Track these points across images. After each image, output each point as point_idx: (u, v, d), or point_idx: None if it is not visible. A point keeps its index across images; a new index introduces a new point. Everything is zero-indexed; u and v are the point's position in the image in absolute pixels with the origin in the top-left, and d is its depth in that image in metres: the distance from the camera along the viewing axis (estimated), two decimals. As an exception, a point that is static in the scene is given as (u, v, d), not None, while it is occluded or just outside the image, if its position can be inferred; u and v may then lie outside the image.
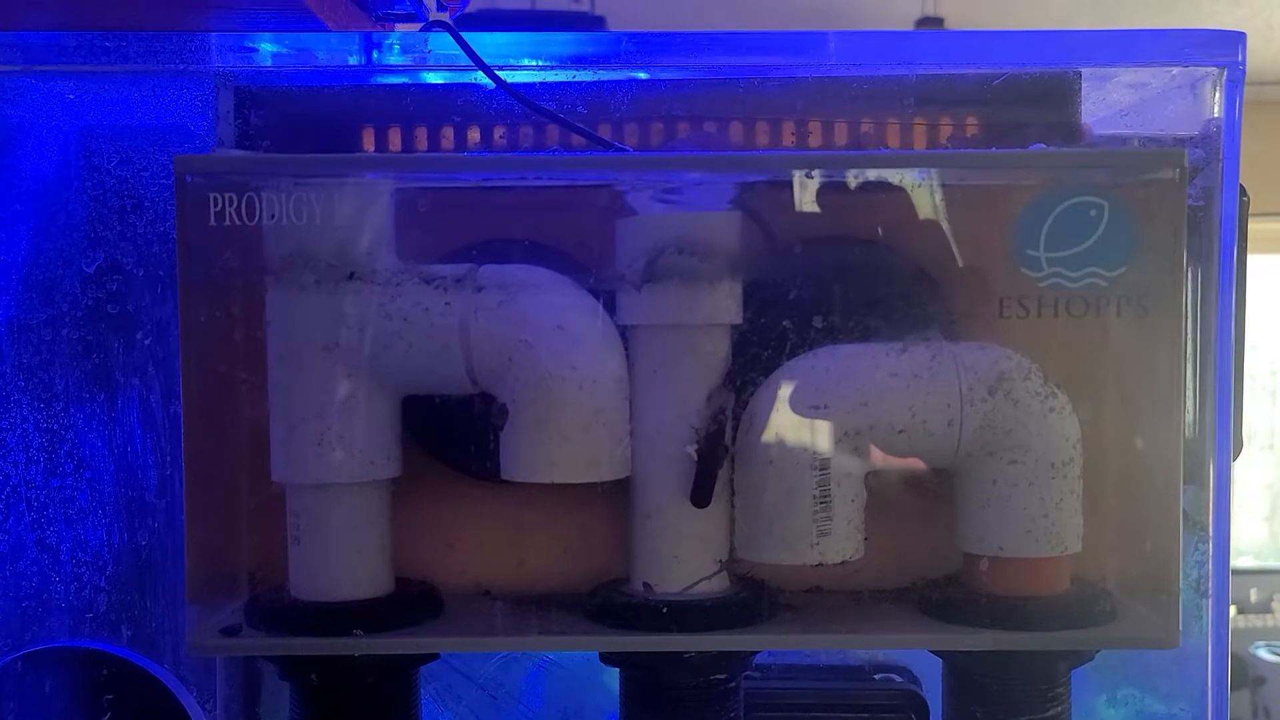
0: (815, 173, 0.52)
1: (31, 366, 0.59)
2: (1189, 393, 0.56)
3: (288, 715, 0.55)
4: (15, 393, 0.59)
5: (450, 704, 0.63)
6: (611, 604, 0.53)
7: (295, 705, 0.54)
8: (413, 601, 0.55)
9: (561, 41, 0.56)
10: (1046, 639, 0.52)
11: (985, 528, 0.53)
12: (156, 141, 0.58)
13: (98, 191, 0.58)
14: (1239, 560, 2.99)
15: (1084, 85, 0.58)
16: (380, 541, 0.54)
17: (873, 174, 0.53)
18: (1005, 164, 0.54)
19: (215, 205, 0.51)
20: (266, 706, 0.62)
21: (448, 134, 0.58)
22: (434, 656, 0.56)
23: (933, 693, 0.59)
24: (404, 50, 0.57)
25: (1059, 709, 0.53)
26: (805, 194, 0.53)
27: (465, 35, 0.55)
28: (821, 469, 0.51)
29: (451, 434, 0.54)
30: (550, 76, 0.57)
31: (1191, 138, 0.56)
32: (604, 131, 0.57)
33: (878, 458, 0.52)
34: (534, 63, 0.56)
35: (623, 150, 0.56)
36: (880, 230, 0.54)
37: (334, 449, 0.51)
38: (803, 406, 0.51)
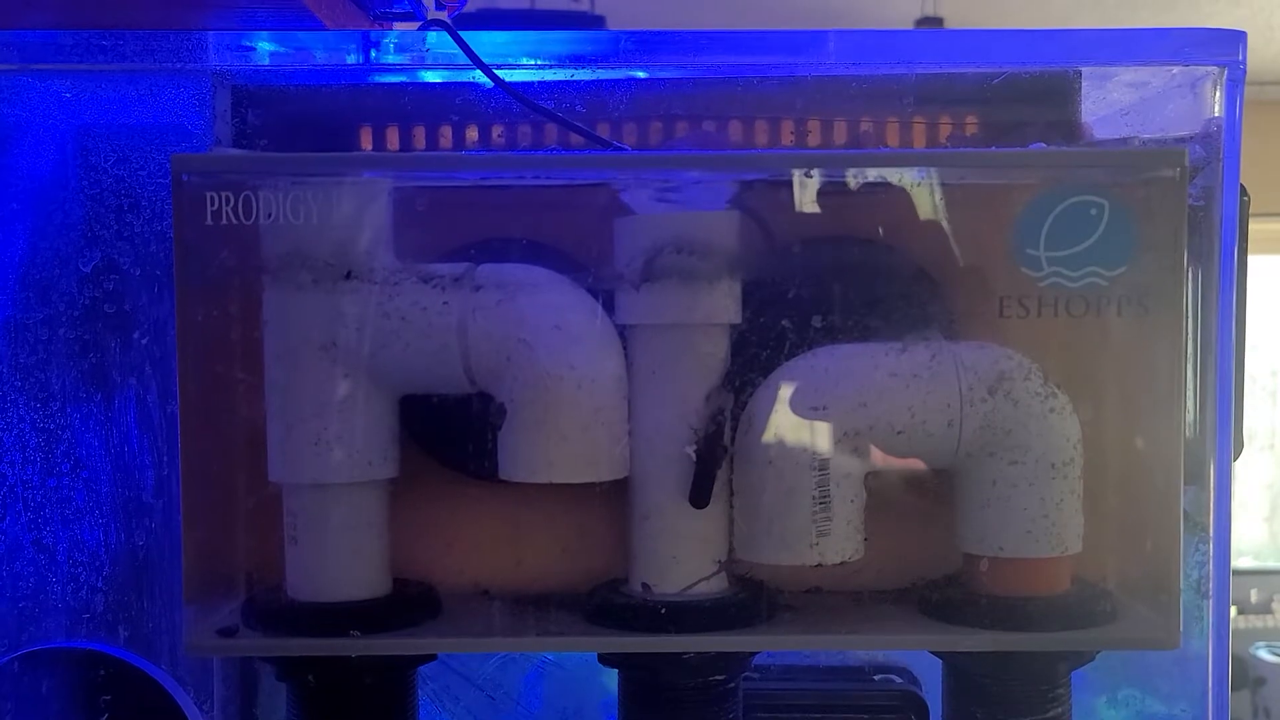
0: (814, 172, 0.52)
1: (28, 366, 0.58)
2: (1189, 393, 0.55)
3: (285, 716, 0.54)
4: (12, 392, 0.58)
5: (448, 705, 0.63)
6: (610, 604, 0.53)
7: (292, 706, 0.54)
8: (410, 602, 0.54)
9: (560, 40, 0.56)
10: (1047, 639, 0.52)
11: (985, 528, 0.53)
12: (153, 140, 0.58)
13: (94, 190, 0.58)
14: (1239, 561, 2.99)
15: (1084, 84, 0.58)
16: (378, 542, 0.54)
17: (872, 173, 0.53)
18: (1005, 163, 0.54)
19: (212, 204, 0.51)
20: (264, 707, 0.62)
21: (446, 133, 0.58)
22: (432, 657, 0.55)
23: (933, 693, 0.59)
24: (402, 49, 0.56)
25: (1059, 710, 0.53)
26: (804, 193, 0.53)
27: (463, 34, 0.55)
28: (821, 469, 0.51)
29: (449, 434, 0.54)
30: (549, 75, 0.56)
31: (1192, 137, 0.56)
32: (602, 130, 0.57)
33: (877, 458, 0.52)
34: (532, 61, 0.56)
35: (621, 149, 0.56)
36: (880, 230, 0.54)
37: (331, 449, 0.51)
38: (802, 407, 0.51)
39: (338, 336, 0.51)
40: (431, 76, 0.58)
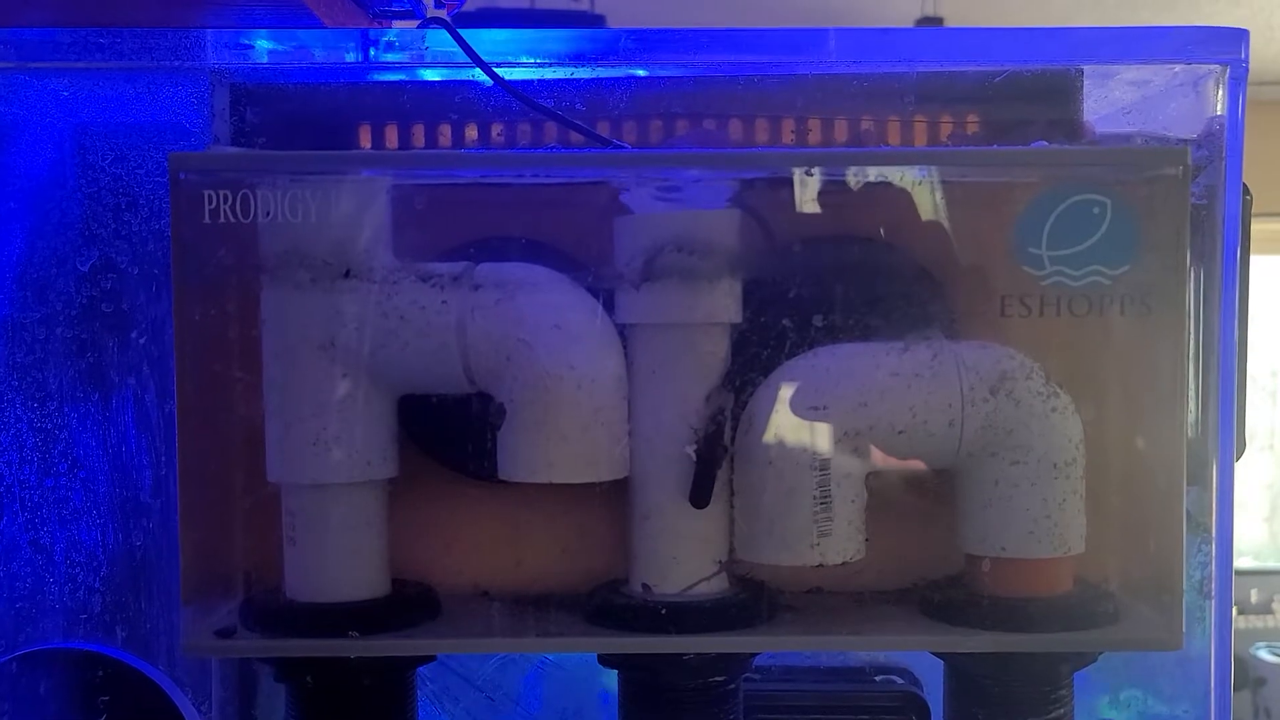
0: (815, 170, 0.52)
1: (25, 365, 0.58)
2: (1191, 392, 0.55)
3: (283, 717, 0.54)
4: (9, 392, 0.58)
5: (448, 706, 0.62)
6: (610, 605, 0.53)
7: (291, 707, 0.54)
8: (409, 603, 0.54)
9: (560, 38, 0.56)
10: (1049, 640, 0.52)
11: (987, 528, 0.52)
12: (151, 139, 0.58)
13: (92, 189, 0.58)
14: (1239, 561, 2.98)
15: (1086, 83, 0.57)
16: (376, 542, 0.53)
17: (873, 172, 0.52)
18: (1008, 161, 0.54)
19: (210, 203, 0.51)
20: (262, 708, 0.61)
21: (445, 131, 0.58)
22: (431, 658, 0.55)
23: (934, 694, 0.58)
24: (401, 47, 0.56)
25: (1062, 711, 0.53)
26: (805, 192, 0.53)
27: (462, 32, 0.55)
28: (821, 469, 0.50)
29: (449, 434, 0.54)
30: (548, 74, 0.56)
31: (1194, 136, 0.56)
32: (602, 129, 0.56)
33: (878, 458, 0.52)
34: (532, 60, 0.56)
35: (621, 147, 0.56)
36: (881, 228, 0.54)
37: (330, 449, 0.51)
38: (802, 406, 0.51)
39: (336, 336, 0.50)
40: (431, 75, 0.57)
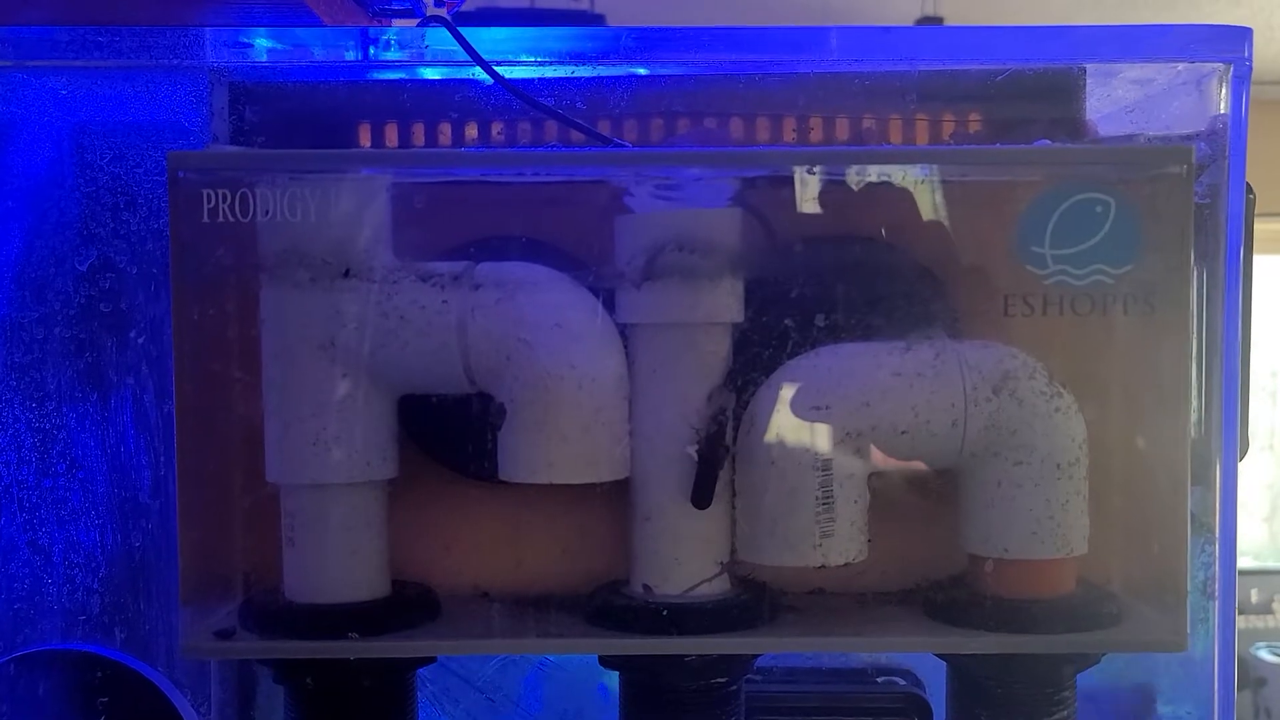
0: (817, 168, 0.51)
1: (24, 365, 0.58)
2: (1194, 392, 0.55)
3: (283, 719, 0.54)
4: (7, 392, 0.58)
5: (448, 707, 0.62)
6: (611, 606, 0.53)
7: (290, 709, 0.53)
8: (409, 604, 0.54)
9: (560, 37, 0.56)
10: (1052, 642, 0.52)
11: (990, 529, 0.52)
12: (150, 138, 0.57)
13: (91, 188, 0.58)
14: (1239, 561, 2.99)
15: (1088, 81, 0.57)
16: (376, 543, 0.53)
17: (875, 171, 0.52)
18: (1011, 160, 0.54)
19: (209, 202, 0.50)
20: (261, 710, 0.61)
21: (445, 130, 0.58)
22: (431, 659, 0.55)
23: (936, 696, 0.58)
24: (401, 46, 0.56)
25: (1065, 713, 0.53)
26: (807, 191, 0.52)
27: (462, 31, 0.54)
28: (824, 470, 0.50)
29: (449, 434, 0.54)
30: (549, 72, 0.56)
31: (1198, 134, 0.55)
32: (603, 128, 0.56)
33: (880, 458, 0.51)
34: (532, 58, 0.56)
35: (622, 146, 0.55)
36: (883, 227, 0.54)
37: (329, 449, 0.51)
38: (804, 406, 0.51)
39: (336, 335, 0.50)
40: (431, 73, 0.57)
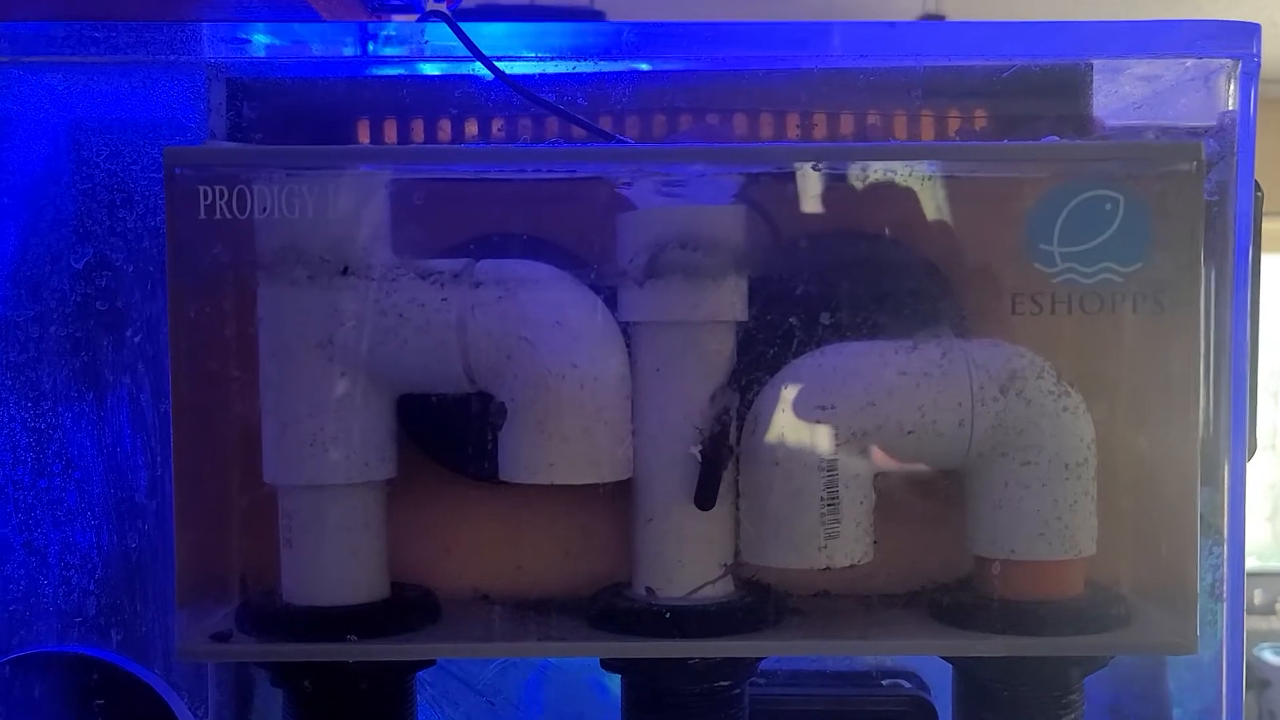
0: (821, 165, 0.51)
1: (19, 364, 0.58)
2: (1202, 392, 0.55)
3: (280, 722, 0.54)
4: (2, 391, 0.58)
5: (447, 710, 0.62)
6: (613, 609, 0.53)
7: (288, 712, 0.53)
8: (408, 606, 0.54)
9: (561, 32, 0.56)
10: (1060, 644, 0.51)
11: (997, 530, 0.52)
12: (147, 134, 0.57)
13: (87, 185, 0.57)
14: (1242, 562, 2.99)
15: (1095, 77, 0.57)
16: (375, 544, 0.53)
17: (880, 167, 0.52)
18: (1018, 156, 0.53)
19: (205, 198, 0.50)
20: (259, 713, 0.61)
21: (445, 126, 0.57)
22: (430, 662, 0.55)
23: (942, 699, 0.58)
24: (400, 41, 0.56)
25: (1072, 716, 0.53)
26: (811, 187, 0.52)
27: (462, 26, 0.54)
28: (829, 470, 0.50)
29: (448, 434, 0.53)
30: (550, 68, 0.56)
31: (1207, 129, 0.55)
32: (605, 124, 0.56)
33: (886, 458, 0.51)
34: (533, 54, 0.55)
35: (624, 142, 0.55)
36: (889, 224, 0.54)
37: (327, 449, 0.50)
38: (809, 406, 0.50)
39: (334, 334, 0.50)
40: (430, 69, 0.57)
